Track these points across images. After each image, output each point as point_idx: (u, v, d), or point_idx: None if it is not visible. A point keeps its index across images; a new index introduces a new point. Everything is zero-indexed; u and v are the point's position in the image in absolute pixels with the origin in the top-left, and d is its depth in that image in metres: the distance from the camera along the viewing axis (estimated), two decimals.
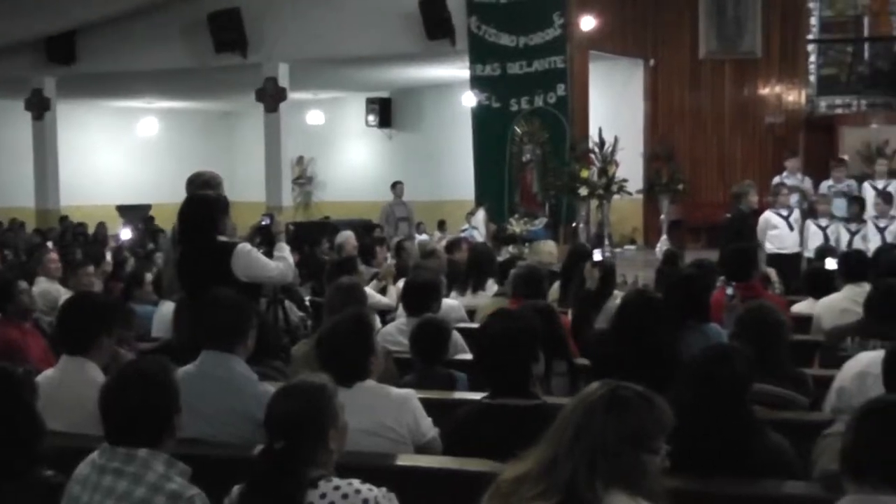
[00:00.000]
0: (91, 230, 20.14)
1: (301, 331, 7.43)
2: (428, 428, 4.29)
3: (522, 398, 3.96)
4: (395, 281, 8.99)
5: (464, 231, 16.71)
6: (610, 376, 2.69)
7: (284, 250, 6.41)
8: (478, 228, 16.23)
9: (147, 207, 21.87)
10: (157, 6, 18.44)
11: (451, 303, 8.03)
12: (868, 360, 4.60)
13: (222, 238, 6.24)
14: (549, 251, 9.92)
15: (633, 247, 18.09)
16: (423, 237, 17.58)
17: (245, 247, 6.19)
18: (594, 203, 16.13)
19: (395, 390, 4.37)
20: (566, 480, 2.48)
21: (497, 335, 4.05)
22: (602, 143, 16.11)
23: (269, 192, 18.18)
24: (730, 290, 6.71)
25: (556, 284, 8.47)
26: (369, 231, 15.49)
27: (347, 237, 11.11)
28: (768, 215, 12.82)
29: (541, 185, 16.27)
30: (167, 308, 7.83)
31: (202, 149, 25.93)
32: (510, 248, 14.44)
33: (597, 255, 6.65)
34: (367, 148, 25.23)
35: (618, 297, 6.21)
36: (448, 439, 4.16)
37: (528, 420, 3.68)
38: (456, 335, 6.28)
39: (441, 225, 19.74)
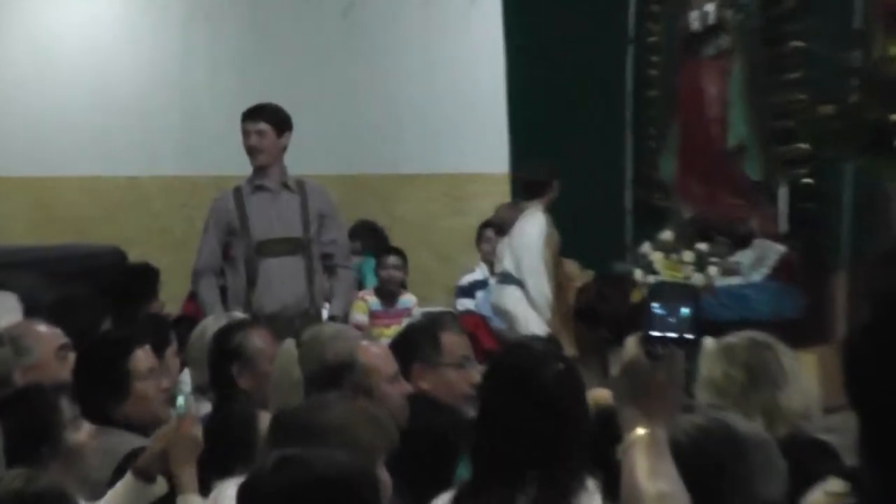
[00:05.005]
0: None
1: None
2: None
3: None
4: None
5: (465, 282, 12.65)
6: None
7: None
8: (534, 273, 11.65)
9: None
10: None
11: None
12: None
13: None
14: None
15: None
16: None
17: None
18: None
19: None
20: None
21: None
22: None
23: None
24: None
25: None
26: (136, 279, 11.51)
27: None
28: None
29: (750, 123, 12.35)
30: None
31: None
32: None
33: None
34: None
35: None
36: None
37: None
38: None
39: (386, 254, 13.04)
